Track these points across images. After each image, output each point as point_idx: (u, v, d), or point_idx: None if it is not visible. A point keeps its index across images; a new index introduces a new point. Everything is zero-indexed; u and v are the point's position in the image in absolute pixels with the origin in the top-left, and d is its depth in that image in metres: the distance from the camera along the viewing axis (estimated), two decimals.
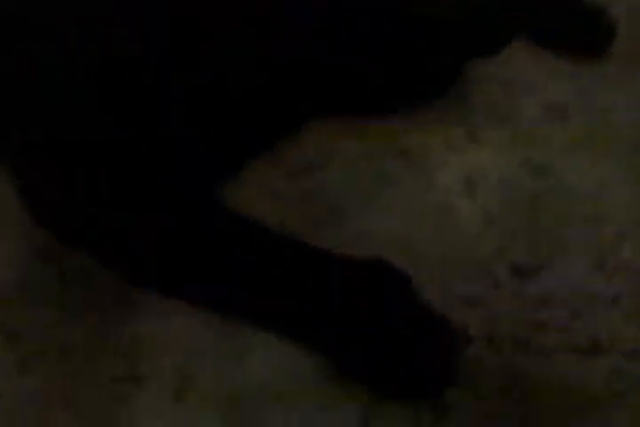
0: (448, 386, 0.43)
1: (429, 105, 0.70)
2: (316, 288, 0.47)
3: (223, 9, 0.48)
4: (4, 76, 0.49)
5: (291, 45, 0.52)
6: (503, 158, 0.62)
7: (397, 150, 0.65)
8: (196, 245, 0.48)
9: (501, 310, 0.49)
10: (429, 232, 0.56)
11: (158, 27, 0.47)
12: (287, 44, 0.52)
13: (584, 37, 0.73)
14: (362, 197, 0.60)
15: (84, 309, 0.48)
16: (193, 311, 0.48)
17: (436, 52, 0.58)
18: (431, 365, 0.43)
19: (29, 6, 0.48)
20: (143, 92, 0.48)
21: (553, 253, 0.53)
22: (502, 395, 0.44)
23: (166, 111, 0.49)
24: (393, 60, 0.57)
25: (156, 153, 0.49)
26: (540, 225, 0.56)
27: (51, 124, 0.48)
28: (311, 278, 0.48)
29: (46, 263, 0.50)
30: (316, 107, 0.61)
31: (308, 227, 0.57)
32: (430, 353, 0.43)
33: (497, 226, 0.56)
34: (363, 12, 0.54)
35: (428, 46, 0.57)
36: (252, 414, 0.43)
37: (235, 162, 0.56)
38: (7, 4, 0.49)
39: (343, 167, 0.64)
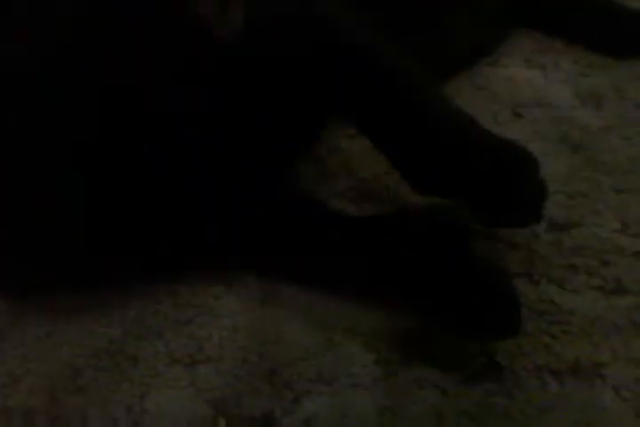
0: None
1: (478, 86, 0.78)
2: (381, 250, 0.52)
3: None
4: None
5: None
6: (544, 134, 0.70)
7: None
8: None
9: (539, 254, 0.57)
10: None
11: None
12: None
13: (624, 37, 0.81)
14: None
15: None
16: None
17: None
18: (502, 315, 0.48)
19: None
20: None
21: (585, 214, 0.61)
22: (537, 318, 0.51)
23: None
24: None
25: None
26: (575, 191, 0.63)
27: None
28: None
29: None
30: None
31: None
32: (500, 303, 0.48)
33: None
34: None
35: None
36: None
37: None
38: None
39: None
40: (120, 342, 0.49)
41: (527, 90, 0.76)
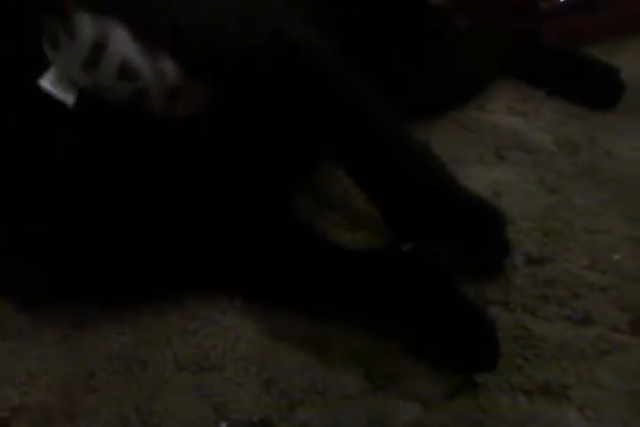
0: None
1: (467, 128, 0.84)
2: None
3: None
4: None
5: None
6: (524, 176, 0.77)
7: None
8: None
9: (515, 285, 0.62)
10: None
11: None
12: None
13: (599, 90, 0.89)
14: None
15: None
16: None
17: None
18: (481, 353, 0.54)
19: None
20: None
21: (558, 251, 0.67)
22: (512, 342, 0.56)
23: None
24: None
25: None
26: (549, 229, 0.69)
27: None
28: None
29: None
30: None
31: None
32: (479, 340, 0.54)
33: (516, 225, 0.69)
34: None
35: None
36: None
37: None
38: None
39: None
40: (131, 349, 0.53)
41: (510, 135, 0.83)
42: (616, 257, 0.65)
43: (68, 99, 0.47)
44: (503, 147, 0.81)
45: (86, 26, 0.46)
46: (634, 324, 0.58)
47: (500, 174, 0.77)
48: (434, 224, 0.60)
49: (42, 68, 0.47)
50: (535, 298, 0.61)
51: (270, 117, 0.57)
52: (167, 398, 0.50)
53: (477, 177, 0.76)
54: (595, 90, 0.88)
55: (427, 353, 0.54)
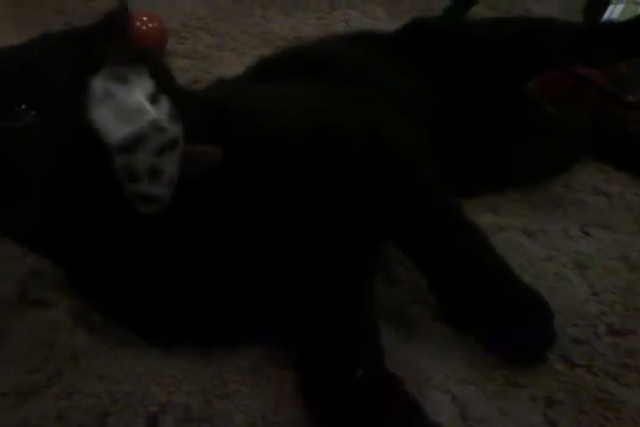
0: None
1: (554, 204, 0.91)
2: None
3: None
4: None
5: None
6: (607, 252, 0.82)
7: (525, 229, 0.85)
8: None
9: (599, 352, 0.67)
10: (547, 290, 0.75)
11: None
12: None
13: None
14: None
15: None
16: None
17: None
18: None
19: None
20: None
21: (639, 324, 0.72)
22: (595, 402, 0.61)
23: None
24: None
25: None
26: (631, 304, 0.74)
27: None
28: None
29: None
30: None
31: None
32: None
33: (600, 297, 0.75)
34: None
35: None
36: None
37: None
38: None
39: None
40: (259, 365, 0.61)
41: (595, 213, 0.89)
42: None
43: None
44: (588, 224, 0.87)
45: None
46: None
47: (583, 248, 0.83)
48: (485, 310, 0.64)
49: None
50: (617, 365, 0.66)
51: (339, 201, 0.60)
52: (288, 411, 0.57)
53: (563, 249, 0.82)
54: None
55: None
